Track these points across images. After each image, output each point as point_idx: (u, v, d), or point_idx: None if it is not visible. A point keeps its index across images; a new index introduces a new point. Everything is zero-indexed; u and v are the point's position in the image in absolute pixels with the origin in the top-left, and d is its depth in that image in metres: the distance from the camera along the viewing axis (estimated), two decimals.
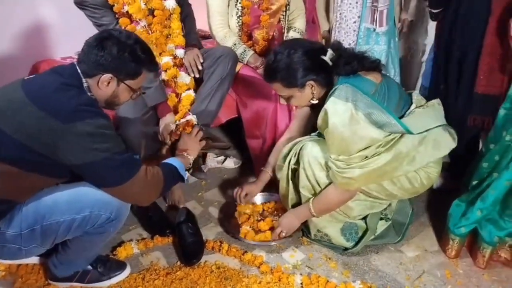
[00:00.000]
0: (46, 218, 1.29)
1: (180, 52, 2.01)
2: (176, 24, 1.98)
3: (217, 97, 2.06)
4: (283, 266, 1.67)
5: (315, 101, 1.60)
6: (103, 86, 1.34)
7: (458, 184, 1.89)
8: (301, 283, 1.58)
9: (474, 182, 1.69)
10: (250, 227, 1.83)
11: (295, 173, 1.72)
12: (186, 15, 2.11)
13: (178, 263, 1.70)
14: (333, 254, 1.75)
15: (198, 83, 2.09)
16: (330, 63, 1.54)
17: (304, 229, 1.83)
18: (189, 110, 2.01)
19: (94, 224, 1.34)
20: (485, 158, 1.65)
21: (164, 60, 1.96)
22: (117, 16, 1.89)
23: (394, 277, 1.63)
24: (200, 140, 1.69)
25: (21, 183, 1.28)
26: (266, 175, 1.90)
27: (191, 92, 2.04)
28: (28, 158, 1.24)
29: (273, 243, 1.76)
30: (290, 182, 1.74)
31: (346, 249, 1.74)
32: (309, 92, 1.57)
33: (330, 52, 1.55)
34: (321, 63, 1.54)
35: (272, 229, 1.80)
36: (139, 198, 1.41)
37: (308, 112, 1.85)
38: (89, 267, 1.56)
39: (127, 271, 1.62)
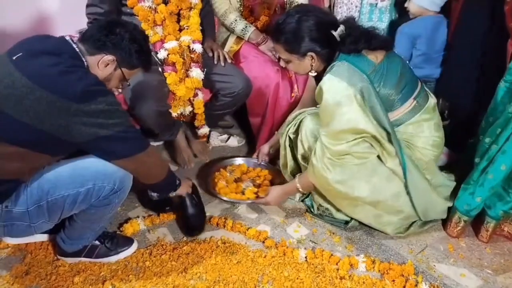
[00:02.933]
0: (51, 193, 1.31)
1: (197, 47, 1.97)
2: (195, 19, 1.96)
3: (225, 114, 2.27)
4: (287, 240, 1.69)
5: (313, 74, 1.59)
6: (102, 66, 1.36)
7: (458, 156, 1.88)
8: (306, 257, 1.60)
9: (477, 160, 1.67)
10: (225, 183, 1.93)
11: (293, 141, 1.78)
12: (206, 14, 2.09)
13: (185, 238, 1.72)
14: (336, 229, 1.77)
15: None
16: (338, 39, 1.50)
17: (308, 205, 1.85)
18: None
19: (99, 196, 1.36)
20: (487, 133, 1.62)
21: (172, 45, 1.91)
22: None
23: (397, 250, 1.65)
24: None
25: (28, 163, 1.28)
26: (277, 136, 1.95)
27: (202, 97, 2.07)
28: (37, 139, 1.25)
29: (249, 201, 1.85)
30: (288, 149, 1.80)
31: (346, 222, 1.76)
32: (308, 63, 1.56)
33: (341, 28, 1.51)
34: (329, 38, 1.50)
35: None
36: (150, 169, 1.44)
37: None
38: (97, 242, 1.58)
39: (134, 247, 1.64)
